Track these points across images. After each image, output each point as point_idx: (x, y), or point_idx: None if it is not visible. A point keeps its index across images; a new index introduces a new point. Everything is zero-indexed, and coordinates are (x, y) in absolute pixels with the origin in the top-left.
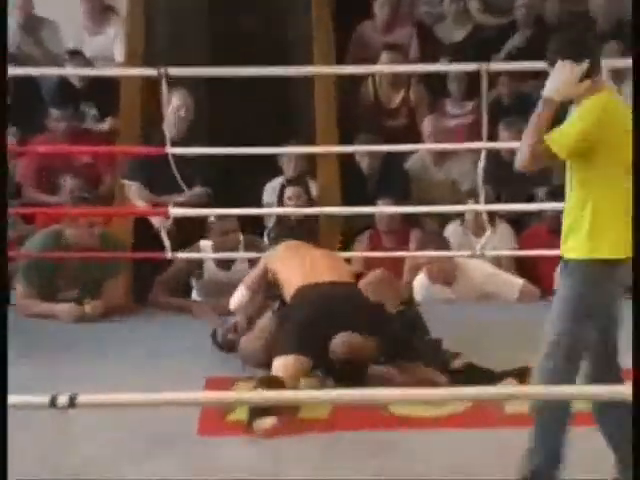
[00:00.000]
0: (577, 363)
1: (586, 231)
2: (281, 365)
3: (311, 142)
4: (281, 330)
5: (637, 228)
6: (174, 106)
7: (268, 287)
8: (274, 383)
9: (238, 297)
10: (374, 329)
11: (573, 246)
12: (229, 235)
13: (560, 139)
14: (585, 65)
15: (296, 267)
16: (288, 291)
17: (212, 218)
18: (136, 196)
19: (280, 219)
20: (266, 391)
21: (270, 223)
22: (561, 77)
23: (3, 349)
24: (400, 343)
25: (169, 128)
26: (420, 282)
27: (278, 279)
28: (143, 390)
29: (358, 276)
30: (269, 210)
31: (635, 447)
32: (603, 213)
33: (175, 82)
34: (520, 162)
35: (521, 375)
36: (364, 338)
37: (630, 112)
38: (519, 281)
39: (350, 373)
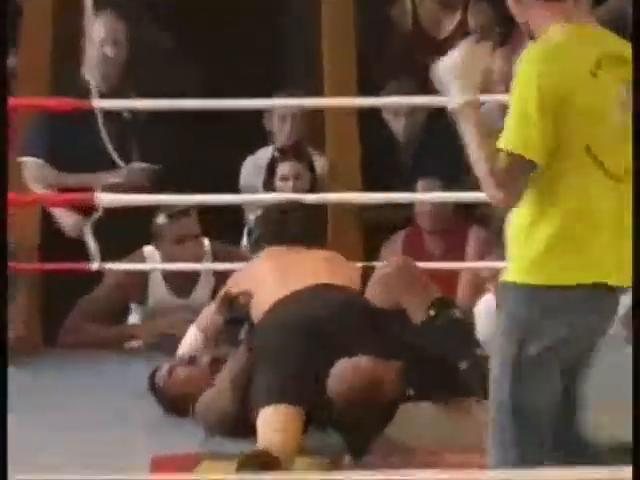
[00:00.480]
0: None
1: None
2: (266, 430)
3: (317, 92)
4: (255, 370)
5: (637, 238)
6: (97, 39)
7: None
8: (265, 461)
9: (188, 342)
10: (390, 349)
11: (517, 266)
12: (187, 242)
13: (521, 133)
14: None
15: (277, 281)
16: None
17: (162, 218)
18: (34, 178)
19: (268, 210)
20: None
21: (252, 217)
22: (457, 60)
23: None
24: (431, 367)
25: (91, 72)
26: (485, 307)
27: (251, 305)
28: (59, 471)
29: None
30: (250, 197)
31: None
32: (563, 220)
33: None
34: (495, 201)
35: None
36: (377, 363)
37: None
38: None
39: (363, 427)
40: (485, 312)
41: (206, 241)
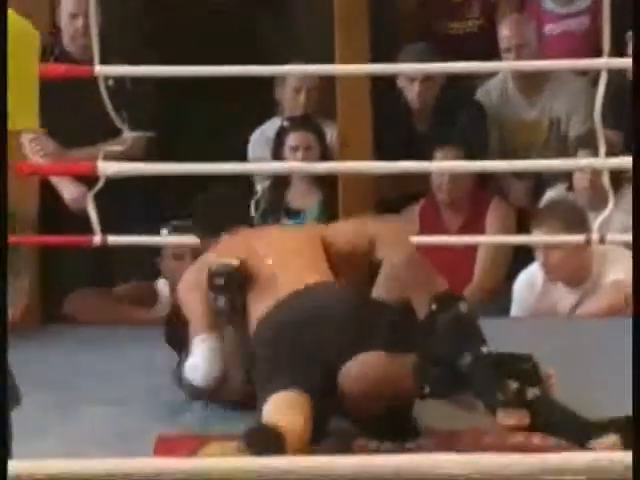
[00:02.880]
0: None
1: None
2: (274, 415)
3: (327, 59)
4: (259, 359)
5: (636, 232)
6: (66, 13)
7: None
8: (269, 440)
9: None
10: (396, 344)
11: None
12: (187, 259)
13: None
14: None
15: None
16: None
17: (165, 230)
18: (31, 147)
19: (278, 182)
20: (257, 455)
21: (260, 188)
22: None
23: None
24: (443, 364)
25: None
26: (528, 280)
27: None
28: (61, 452)
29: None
30: (259, 167)
31: None
32: None
33: None
34: None
35: (622, 429)
36: (392, 357)
37: None
38: None
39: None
40: (525, 285)
41: None
